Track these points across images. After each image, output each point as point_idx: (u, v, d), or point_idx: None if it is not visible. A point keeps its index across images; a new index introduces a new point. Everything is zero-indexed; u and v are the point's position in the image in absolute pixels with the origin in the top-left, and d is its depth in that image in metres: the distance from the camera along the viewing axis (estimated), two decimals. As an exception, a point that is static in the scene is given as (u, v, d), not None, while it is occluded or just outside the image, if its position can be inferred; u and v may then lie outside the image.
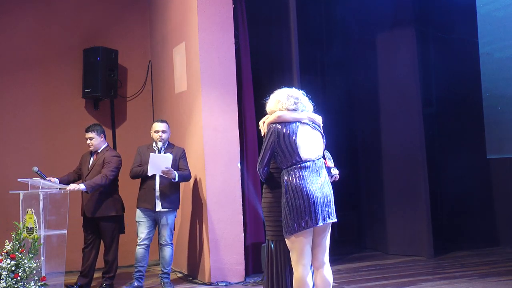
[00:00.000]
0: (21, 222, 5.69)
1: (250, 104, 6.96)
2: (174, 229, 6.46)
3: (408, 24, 7.95)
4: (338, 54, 9.09)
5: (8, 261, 5.34)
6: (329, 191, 4.37)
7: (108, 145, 6.58)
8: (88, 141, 6.46)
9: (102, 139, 6.51)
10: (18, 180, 6.04)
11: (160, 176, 6.27)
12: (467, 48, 7.71)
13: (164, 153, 6.34)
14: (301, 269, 4.28)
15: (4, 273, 5.32)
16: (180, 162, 6.41)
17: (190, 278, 6.93)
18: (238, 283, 6.57)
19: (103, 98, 7.97)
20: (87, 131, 6.49)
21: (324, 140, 4.49)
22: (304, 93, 4.57)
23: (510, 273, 6.56)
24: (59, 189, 5.93)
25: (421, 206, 7.79)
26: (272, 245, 4.66)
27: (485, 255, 7.73)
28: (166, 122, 6.53)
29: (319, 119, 4.53)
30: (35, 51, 7.91)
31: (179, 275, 7.24)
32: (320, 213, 4.24)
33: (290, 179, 4.28)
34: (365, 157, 8.64)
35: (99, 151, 6.49)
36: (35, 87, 7.89)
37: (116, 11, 8.28)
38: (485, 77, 6.27)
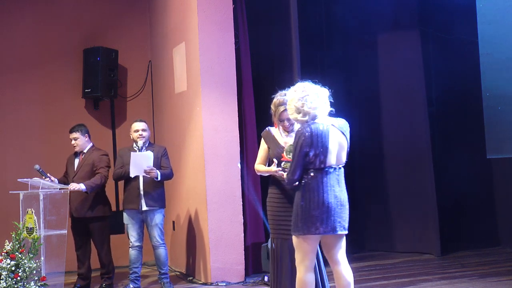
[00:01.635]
0: (21, 222, 5.69)
1: (250, 104, 6.95)
2: (164, 229, 6.41)
3: (410, 24, 7.94)
4: (339, 54, 9.07)
5: (8, 261, 5.35)
6: (345, 201, 4.27)
7: (93, 145, 6.57)
8: (73, 142, 6.44)
9: (87, 139, 6.49)
10: (18, 180, 6.04)
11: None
12: (467, 48, 7.69)
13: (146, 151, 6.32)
14: (303, 269, 4.26)
15: (4, 273, 5.32)
16: (162, 160, 6.35)
17: (190, 278, 6.93)
18: (238, 283, 6.57)
19: (103, 98, 7.97)
20: (71, 131, 6.46)
21: (349, 148, 4.34)
22: (311, 82, 4.34)
23: (510, 273, 6.56)
24: (60, 189, 5.93)
25: (429, 205, 7.79)
26: (273, 244, 4.70)
27: (485, 255, 7.73)
28: (145, 122, 6.51)
29: (342, 123, 4.35)
30: (35, 51, 7.91)
31: (179, 275, 7.24)
32: (331, 223, 4.17)
33: (309, 181, 4.17)
34: (367, 156, 8.62)
35: (84, 151, 6.48)
36: (35, 87, 7.89)
37: (116, 11, 8.28)
38: (485, 77, 6.25)
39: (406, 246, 8.02)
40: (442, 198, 8.21)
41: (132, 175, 6.17)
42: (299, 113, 4.21)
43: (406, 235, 8.06)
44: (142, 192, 6.25)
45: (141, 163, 6.10)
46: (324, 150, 4.15)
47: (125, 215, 6.37)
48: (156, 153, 6.33)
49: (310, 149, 4.12)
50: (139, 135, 6.34)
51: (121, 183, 7.31)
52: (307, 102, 4.19)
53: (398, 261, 7.58)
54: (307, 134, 4.12)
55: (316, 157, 4.14)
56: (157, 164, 6.30)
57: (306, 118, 4.20)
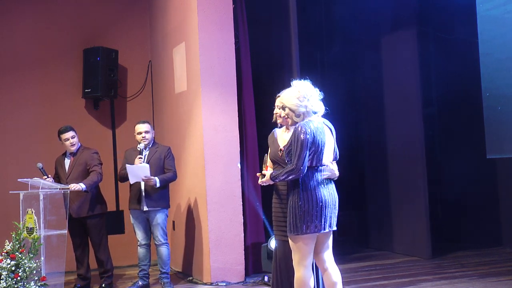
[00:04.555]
0: (21, 222, 5.69)
1: (250, 104, 6.96)
2: (166, 228, 6.44)
3: (410, 24, 7.94)
4: (338, 54, 9.08)
5: (8, 261, 5.35)
6: (336, 199, 4.36)
7: (81, 144, 6.56)
8: (71, 140, 6.40)
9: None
10: (18, 180, 6.04)
11: None
12: (467, 48, 7.69)
13: (149, 152, 6.37)
14: (302, 270, 4.27)
15: (4, 273, 5.33)
16: (165, 162, 6.40)
17: (190, 278, 6.93)
18: (238, 283, 6.57)
19: (103, 98, 7.97)
20: (65, 132, 6.40)
21: (336, 148, 4.45)
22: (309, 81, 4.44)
23: (510, 273, 6.56)
24: (60, 189, 5.93)
25: (420, 206, 7.78)
26: (276, 244, 4.71)
27: (485, 255, 7.73)
28: (148, 122, 6.56)
29: (328, 122, 4.44)
30: (35, 51, 7.91)
31: (179, 275, 7.25)
32: (328, 219, 4.25)
33: (307, 180, 4.22)
34: (366, 157, 8.63)
35: (75, 151, 6.47)
36: (35, 87, 7.89)
37: (116, 11, 8.28)
38: (485, 77, 6.25)
39: (405, 247, 8.01)
40: (442, 198, 8.21)
41: (131, 182, 6.28)
42: (300, 111, 4.27)
43: (404, 236, 8.05)
44: (143, 193, 6.30)
45: (138, 173, 6.19)
46: (322, 149, 4.23)
47: (130, 214, 6.46)
48: (159, 154, 6.38)
49: (312, 146, 4.18)
50: (142, 137, 6.39)
51: (121, 183, 7.32)
52: (310, 100, 4.28)
53: (398, 261, 7.58)
54: (310, 131, 4.17)
55: (314, 155, 4.21)
56: (160, 165, 6.35)
57: (306, 114, 4.27)
